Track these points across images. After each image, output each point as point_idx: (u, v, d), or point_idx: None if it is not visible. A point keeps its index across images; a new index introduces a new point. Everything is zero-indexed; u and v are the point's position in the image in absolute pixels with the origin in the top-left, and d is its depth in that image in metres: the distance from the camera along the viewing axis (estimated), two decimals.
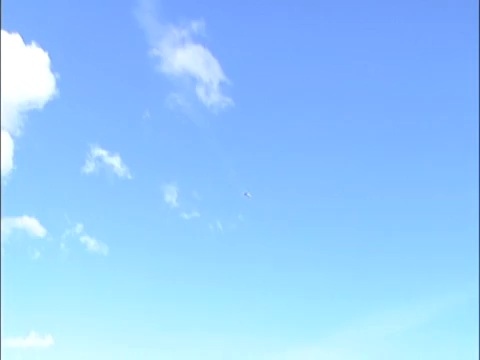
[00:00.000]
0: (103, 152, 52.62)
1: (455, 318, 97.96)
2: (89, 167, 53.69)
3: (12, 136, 49.38)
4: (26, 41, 48.21)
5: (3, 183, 50.26)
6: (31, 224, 54.85)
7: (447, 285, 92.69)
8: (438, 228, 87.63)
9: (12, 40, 47.82)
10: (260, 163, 68.69)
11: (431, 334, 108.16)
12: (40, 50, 49.06)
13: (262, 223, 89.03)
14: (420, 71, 63.17)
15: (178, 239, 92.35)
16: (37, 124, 52.89)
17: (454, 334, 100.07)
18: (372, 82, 62.24)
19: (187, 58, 52.04)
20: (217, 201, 65.96)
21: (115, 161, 52.74)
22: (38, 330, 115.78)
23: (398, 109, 63.94)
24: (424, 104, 64.89)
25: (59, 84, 50.36)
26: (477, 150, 57.72)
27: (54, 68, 49.92)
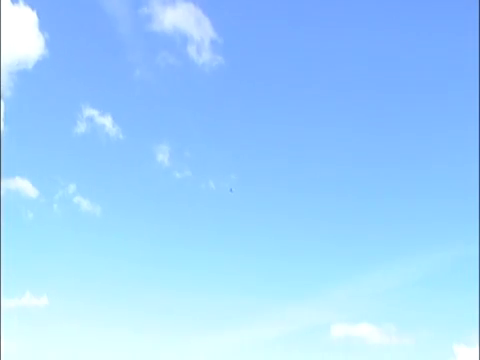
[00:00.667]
0: (94, 112, 52.43)
1: (452, 274, 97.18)
2: (80, 127, 53.49)
3: (2, 97, 49.31)
4: (13, 0, 47.59)
5: None
6: (23, 185, 55.04)
7: (443, 240, 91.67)
8: (434, 181, 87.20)
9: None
10: (252, 121, 68.60)
11: (426, 291, 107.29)
12: (28, 9, 48.36)
13: (255, 183, 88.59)
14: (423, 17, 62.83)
15: (170, 198, 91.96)
16: (27, 85, 52.64)
17: (451, 291, 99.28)
18: (371, 43, 62.05)
19: (178, 16, 51.52)
20: (209, 160, 66.22)
21: (106, 121, 52.66)
22: (33, 291, 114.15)
23: (398, 63, 63.66)
24: (424, 52, 64.64)
25: (48, 44, 49.85)
26: (477, 103, 57.06)
27: (43, 27, 49.31)
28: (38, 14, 48.35)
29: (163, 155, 58.62)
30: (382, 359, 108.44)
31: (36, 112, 54.40)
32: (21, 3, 47.74)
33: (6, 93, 49.37)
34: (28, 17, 48.39)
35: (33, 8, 48.07)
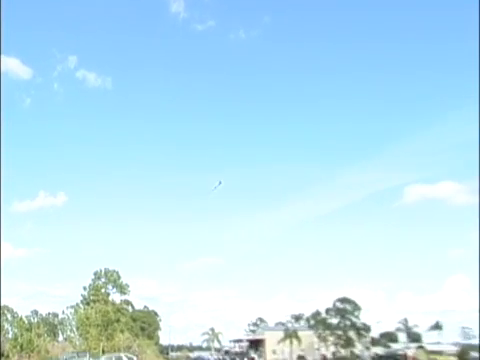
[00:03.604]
0: None
1: None
2: None
3: None
4: None
5: None
6: (12, 65, 45.22)
7: None
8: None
9: None
10: None
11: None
12: None
13: (291, 24, 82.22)
14: None
15: (193, 56, 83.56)
16: None
17: None
18: None
19: None
20: (236, 4, 57.90)
21: None
22: (47, 189, 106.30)
23: None
24: None
25: None
26: None
27: None
28: None
29: (178, 5, 47.53)
30: (468, 222, 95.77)
31: None
32: None
33: None
34: None
35: None
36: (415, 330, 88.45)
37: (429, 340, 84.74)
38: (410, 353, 69.00)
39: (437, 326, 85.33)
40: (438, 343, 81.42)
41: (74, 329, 68.31)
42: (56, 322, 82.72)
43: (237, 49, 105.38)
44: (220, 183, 44.13)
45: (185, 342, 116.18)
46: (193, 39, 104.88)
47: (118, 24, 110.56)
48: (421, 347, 74.98)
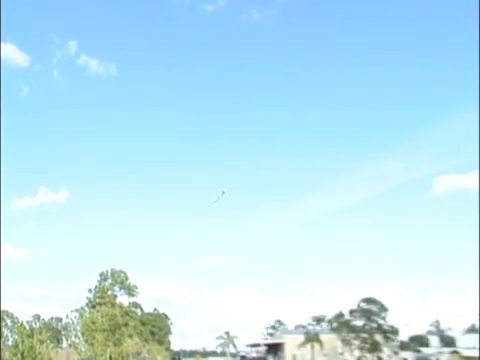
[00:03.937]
0: None
1: None
2: None
3: None
4: None
5: None
6: (8, 52, 42.16)
7: None
8: None
9: None
10: None
11: None
12: None
13: (308, 3, 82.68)
14: None
15: (202, 39, 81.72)
16: None
17: None
18: None
19: None
20: None
21: None
22: (48, 184, 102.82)
23: None
24: None
25: None
26: None
27: None
28: None
29: None
30: None
31: None
32: None
33: None
34: None
35: None
36: (448, 333, 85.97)
37: (464, 344, 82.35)
38: (443, 358, 68.13)
39: (473, 329, 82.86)
40: (474, 348, 78.02)
41: (79, 334, 69.43)
42: (60, 327, 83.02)
43: (249, 31, 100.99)
44: (223, 193, 42.71)
45: (198, 347, 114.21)
46: (202, 21, 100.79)
47: (121, 6, 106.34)
48: (455, 352, 73.74)
